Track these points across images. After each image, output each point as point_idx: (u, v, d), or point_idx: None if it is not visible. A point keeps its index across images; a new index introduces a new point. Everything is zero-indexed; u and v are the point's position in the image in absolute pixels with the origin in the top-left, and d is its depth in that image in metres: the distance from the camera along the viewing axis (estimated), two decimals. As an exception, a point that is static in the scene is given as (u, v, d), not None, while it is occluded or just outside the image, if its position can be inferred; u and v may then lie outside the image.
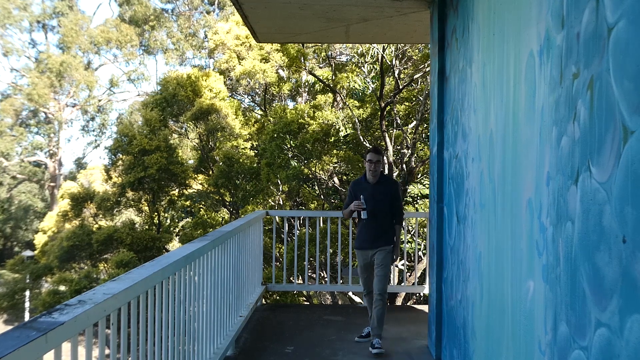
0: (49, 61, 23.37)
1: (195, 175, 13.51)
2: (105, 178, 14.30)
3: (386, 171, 9.98)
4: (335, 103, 11.51)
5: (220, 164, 11.98)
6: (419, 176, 10.43)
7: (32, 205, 26.58)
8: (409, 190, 10.49)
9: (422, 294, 9.44)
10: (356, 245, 4.11)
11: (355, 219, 4.44)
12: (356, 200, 3.91)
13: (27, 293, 17.22)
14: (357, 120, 10.17)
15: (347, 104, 10.71)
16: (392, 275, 6.95)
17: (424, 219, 6.83)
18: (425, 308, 5.00)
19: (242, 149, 12.47)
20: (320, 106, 10.68)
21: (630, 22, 1.30)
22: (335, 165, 10.38)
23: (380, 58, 9.68)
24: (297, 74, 12.48)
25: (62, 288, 12.39)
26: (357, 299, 9.54)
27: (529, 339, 1.96)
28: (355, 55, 10.58)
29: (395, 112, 10.23)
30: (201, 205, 13.47)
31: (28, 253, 18.48)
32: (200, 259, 2.89)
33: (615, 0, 1.37)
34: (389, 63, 9.68)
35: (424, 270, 5.46)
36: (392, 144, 9.93)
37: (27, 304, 17.73)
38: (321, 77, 11.68)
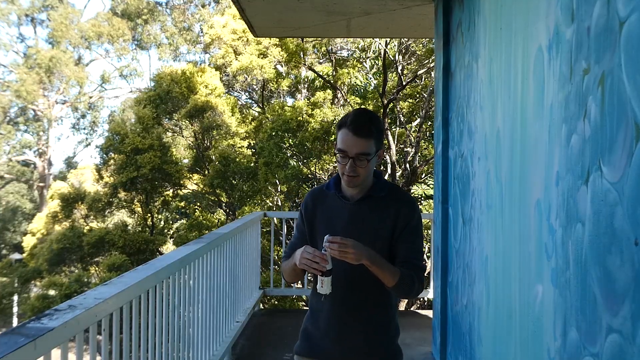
0: (38, 56, 22.87)
1: (190, 175, 13.39)
2: (96, 178, 14.10)
3: (387, 173, 9.68)
4: (336, 100, 11.43)
5: (216, 163, 11.89)
6: (422, 176, 10.38)
7: (20, 206, 26.14)
8: (412, 191, 10.41)
9: (426, 299, 9.24)
10: (298, 349, 1.85)
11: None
12: (308, 249, 1.58)
13: (15, 297, 16.97)
14: (358, 118, 10.07)
15: (348, 100, 10.63)
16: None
17: (428, 221, 6.71)
18: (429, 313, 4.92)
19: (239, 147, 12.36)
20: (319, 103, 10.58)
21: (643, 15, 1.25)
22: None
23: (382, 53, 9.59)
24: (297, 70, 12.38)
25: (52, 292, 12.18)
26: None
27: (537, 345, 1.91)
28: (356, 50, 10.51)
29: (398, 109, 10.16)
30: (196, 206, 13.39)
31: (16, 256, 18.19)
32: (195, 262, 2.84)
33: (627, -7, 1.32)
34: (392, 58, 9.60)
35: (428, 273, 5.39)
36: (395, 142, 9.86)
37: (15, 309, 17.48)
38: (321, 73, 11.58)
